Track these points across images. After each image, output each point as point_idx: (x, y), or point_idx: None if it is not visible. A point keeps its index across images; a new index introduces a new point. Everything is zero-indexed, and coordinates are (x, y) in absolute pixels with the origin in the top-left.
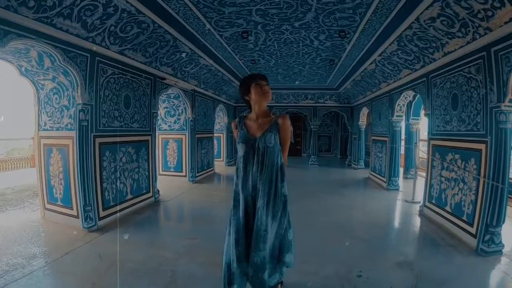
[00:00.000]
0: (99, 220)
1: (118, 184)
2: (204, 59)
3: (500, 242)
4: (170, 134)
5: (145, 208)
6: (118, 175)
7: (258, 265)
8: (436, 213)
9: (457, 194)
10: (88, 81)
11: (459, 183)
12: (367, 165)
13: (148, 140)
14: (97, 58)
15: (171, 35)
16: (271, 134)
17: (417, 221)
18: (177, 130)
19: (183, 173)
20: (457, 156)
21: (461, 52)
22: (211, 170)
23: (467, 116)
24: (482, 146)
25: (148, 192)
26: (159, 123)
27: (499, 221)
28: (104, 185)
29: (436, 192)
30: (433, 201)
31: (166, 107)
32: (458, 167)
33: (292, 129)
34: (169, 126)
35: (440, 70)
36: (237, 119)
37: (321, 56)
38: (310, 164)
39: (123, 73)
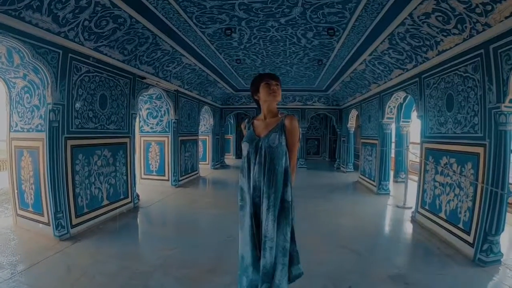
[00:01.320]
0: (71, 228)
1: (92, 189)
2: (187, 57)
3: (499, 251)
4: (152, 136)
5: (123, 214)
6: (93, 179)
7: (263, 274)
8: (429, 219)
9: (453, 200)
10: (60, 79)
11: (454, 188)
12: (356, 168)
13: (126, 142)
14: (70, 54)
15: (150, 32)
16: (275, 134)
17: (409, 228)
18: (159, 132)
19: (166, 177)
20: (452, 160)
21: (457, 50)
22: (196, 174)
23: (464, 118)
24: (480, 150)
25: (126, 197)
26: (141, 124)
27: (498, 229)
28: (77, 190)
29: (430, 198)
30: (426, 207)
31: (148, 108)
32: (454, 171)
33: (300, 131)
34: (151, 128)
35: (433, 69)
36: (246, 120)
37: (309, 56)
38: (298, 167)
39: (99, 71)
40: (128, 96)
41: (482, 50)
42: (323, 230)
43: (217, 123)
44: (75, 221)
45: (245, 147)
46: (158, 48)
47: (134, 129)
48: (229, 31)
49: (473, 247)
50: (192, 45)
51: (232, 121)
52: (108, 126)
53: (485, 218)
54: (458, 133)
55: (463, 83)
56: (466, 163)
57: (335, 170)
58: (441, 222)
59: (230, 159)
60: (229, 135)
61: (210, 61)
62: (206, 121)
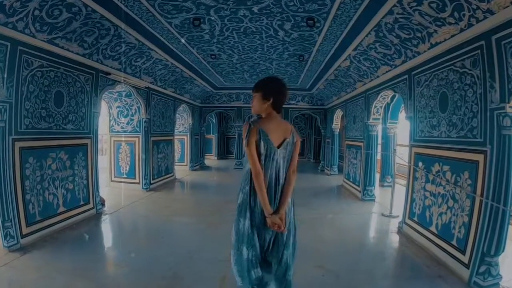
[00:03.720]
0: (22, 238)
1: (46, 195)
2: (156, 52)
3: (498, 273)
4: (122, 136)
5: (83, 222)
6: (46, 185)
7: None
8: (418, 232)
9: (445, 213)
10: (7, 74)
11: (448, 200)
12: (340, 170)
13: (87, 143)
14: (19, 47)
15: (110, 22)
16: None
17: (395, 242)
18: (130, 132)
19: (137, 180)
20: (445, 168)
21: (452, 43)
22: (171, 176)
23: (460, 120)
24: (479, 157)
25: (87, 203)
26: (111, 124)
27: (499, 249)
28: (28, 197)
29: (419, 209)
30: (415, 219)
31: (119, 107)
32: (447, 181)
33: (246, 134)
34: (122, 127)
35: (425, 65)
36: None
37: (289, 51)
38: None
39: (54, 66)
40: (89, 93)
41: (482, 42)
42: (300, 244)
43: (196, 122)
44: (25, 230)
45: None
46: (123, 41)
47: (97, 129)
48: (198, 21)
49: (468, 269)
50: (161, 38)
51: (214, 120)
52: (64, 126)
53: (483, 236)
54: (453, 137)
55: (460, 80)
56: (462, 172)
57: (319, 172)
58: (431, 236)
59: (211, 160)
60: (211, 134)
61: (183, 56)
62: (184, 121)
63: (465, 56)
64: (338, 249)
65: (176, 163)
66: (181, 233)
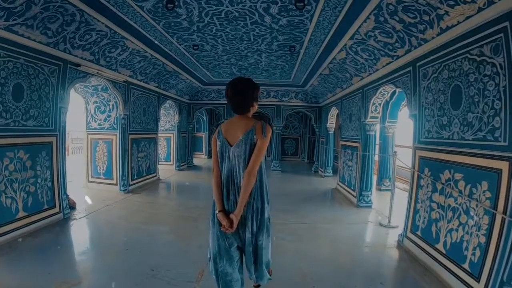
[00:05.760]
0: None
1: (3, 199)
2: (132, 42)
3: None
4: (99, 133)
5: (47, 228)
6: (3, 187)
7: None
8: (421, 249)
9: (456, 230)
10: None
11: (460, 215)
12: (335, 172)
13: (51, 142)
14: None
15: (74, 6)
16: None
17: (395, 259)
18: (107, 129)
19: (114, 181)
20: (458, 176)
21: (468, 26)
22: (153, 177)
23: (477, 118)
24: (502, 165)
25: (52, 207)
26: (88, 120)
27: None
28: None
29: (424, 222)
30: (418, 233)
31: (96, 102)
32: (460, 192)
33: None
34: (99, 124)
35: (433, 54)
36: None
37: (278, 41)
38: (272, 170)
39: (13, 56)
40: (55, 86)
41: (506, 23)
42: (283, 263)
43: (183, 119)
44: None
45: None
46: (92, 29)
47: (64, 126)
48: (171, 4)
49: None
50: (134, 25)
51: (204, 118)
52: (24, 123)
53: (504, 261)
54: (468, 140)
55: (477, 70)
56: (479, 182)
57: (312, 174)
58: (438, 256)
59: (201, 159)
60: (201, 132)
61: (163, 47)
62: (170, 117)
63: (483, 42)
64: (326, 268)
65: (161, 163)
66: (148, 244)
